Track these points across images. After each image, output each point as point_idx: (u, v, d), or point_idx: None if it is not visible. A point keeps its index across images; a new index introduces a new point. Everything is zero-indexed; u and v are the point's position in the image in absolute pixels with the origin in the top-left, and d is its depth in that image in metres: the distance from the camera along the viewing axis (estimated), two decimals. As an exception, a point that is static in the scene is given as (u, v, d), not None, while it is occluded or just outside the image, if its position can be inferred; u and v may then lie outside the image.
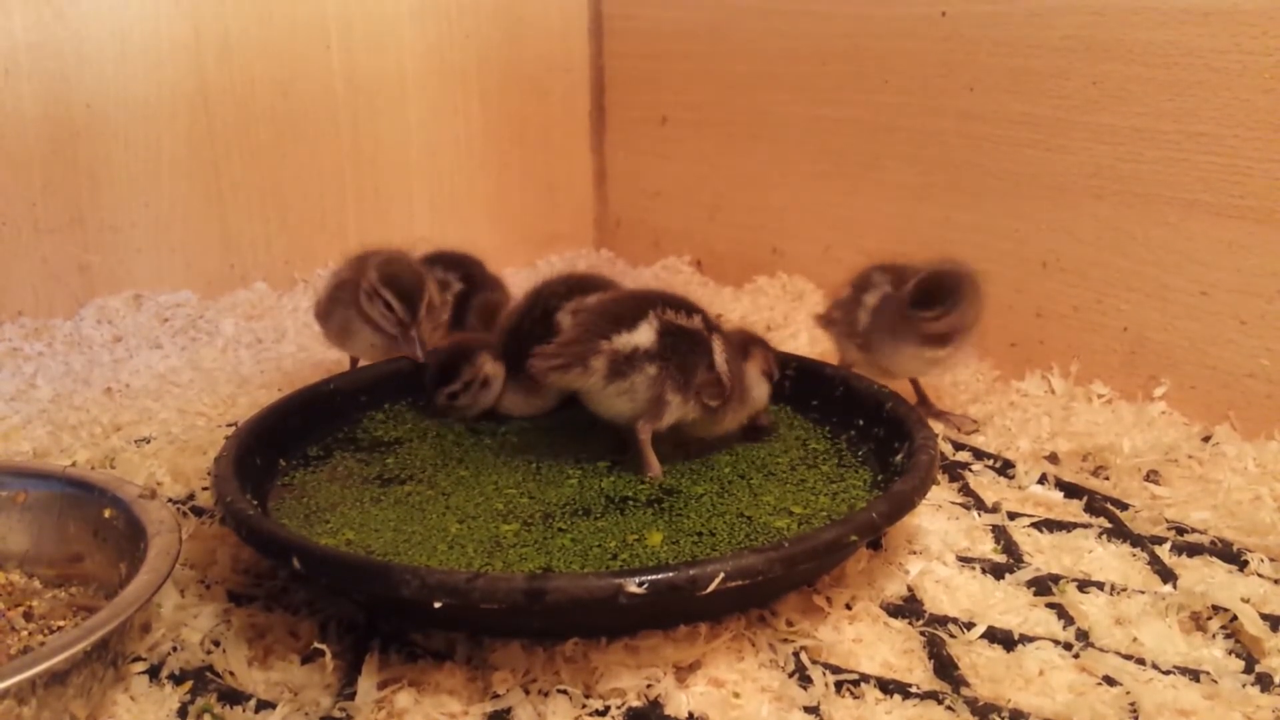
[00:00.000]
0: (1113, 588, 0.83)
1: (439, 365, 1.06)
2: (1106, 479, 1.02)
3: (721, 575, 0.68)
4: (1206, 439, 1.06)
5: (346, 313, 1.16)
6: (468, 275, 1.29)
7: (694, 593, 0.68)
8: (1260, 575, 0.85)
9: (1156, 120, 1.10)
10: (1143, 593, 0.82)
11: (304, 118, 1.65)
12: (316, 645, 0.73)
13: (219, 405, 1.24)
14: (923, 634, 0.77)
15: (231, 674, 0.74)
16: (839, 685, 0.71)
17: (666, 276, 1.75)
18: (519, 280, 1.47)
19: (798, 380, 1.09)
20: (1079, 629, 0.78)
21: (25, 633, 0.74)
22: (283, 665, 0.75)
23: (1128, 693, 0.70)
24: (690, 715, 0.69)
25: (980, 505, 0.97)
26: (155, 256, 1.58)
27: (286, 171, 1.65)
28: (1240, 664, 0.73)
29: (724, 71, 1.64)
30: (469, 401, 1.06)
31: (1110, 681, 0.71)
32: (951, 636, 0.77)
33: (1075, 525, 0.93)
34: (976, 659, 0.74)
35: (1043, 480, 1.02)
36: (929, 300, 1.07)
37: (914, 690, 0.71)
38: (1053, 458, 1.06)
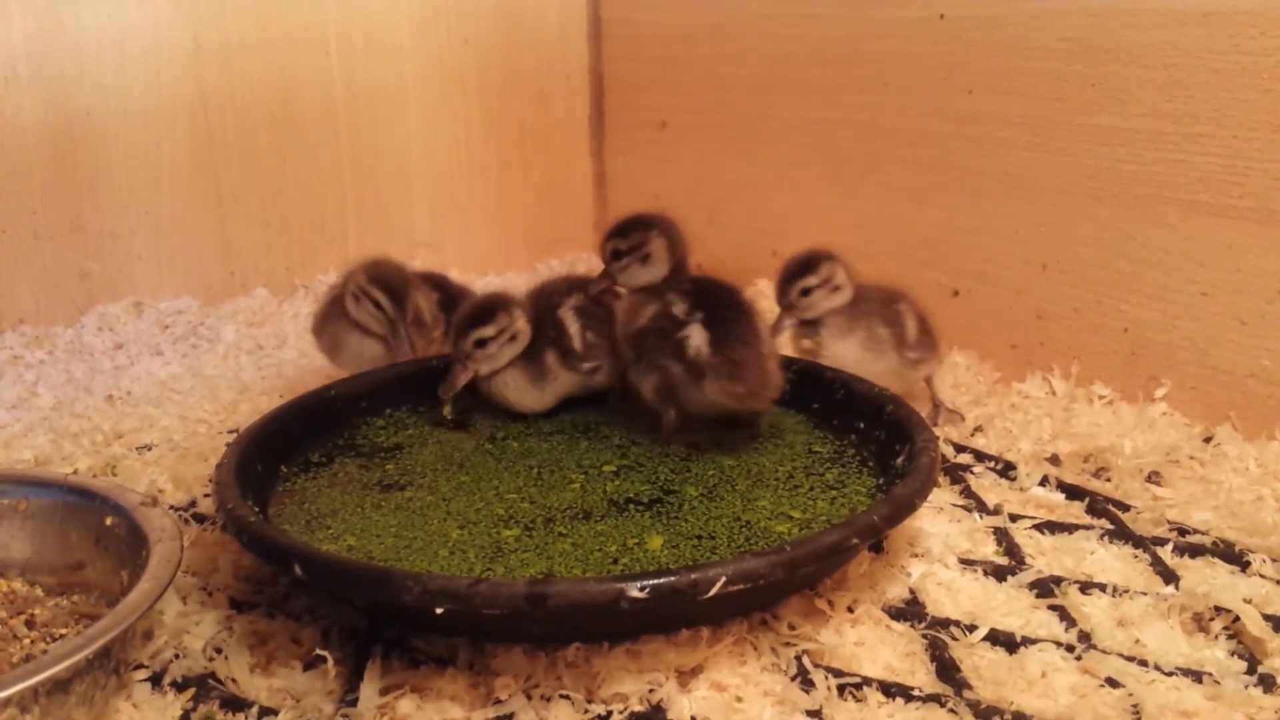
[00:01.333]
0: (1115, 589, 0.83)
1: (473, 307, 1.05)
2: (1108, 480, 1.02)
3: (723, 579, 0.68)
4: (1208, 440, 1.06)
5: (336, 325, 1.17)
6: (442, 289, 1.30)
7: (695, 597, 0.68)
8: (1262, 576, 0.85)
9: (1155, 121, 1.10)
10: (1145, 594, 0.82)
11: (304, 124, 1.65)
12: (319, 652, 0.73)
13: (220, 412, 1.24)
14: (925, 637, 0.77)
15: (234, 681, 0.74)
16: (841, 689, 0.71)
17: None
18: (519, 284, 1.47)
19: (798, 383, 1.09)
20: (1081, 631, 0.77)
21: (27, 641, 0.74)
22: (285, 672, 0.74)
23: (1130, 694, 0.70)
24: (692, 719, 0.69)
25: (982, 507, 0.97)
26: (156, 263, 1.58)
27: (286, 178, 1.66)
28: (1243, 665, 0.73)
29: (723, 75, 1.64)
30: (494, 351, 1.05)
31: (1113, 683, 0.71)
32: (954, 639, 0.77)
33: (1077, 527, 0.93)
34: (979, 661, 0.74)
35: (1044, 482, 1.02)
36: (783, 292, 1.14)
37: (916, 693, 0.71)
38: (1054, 459, 1.06)
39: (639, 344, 1.01)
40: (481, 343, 1.04)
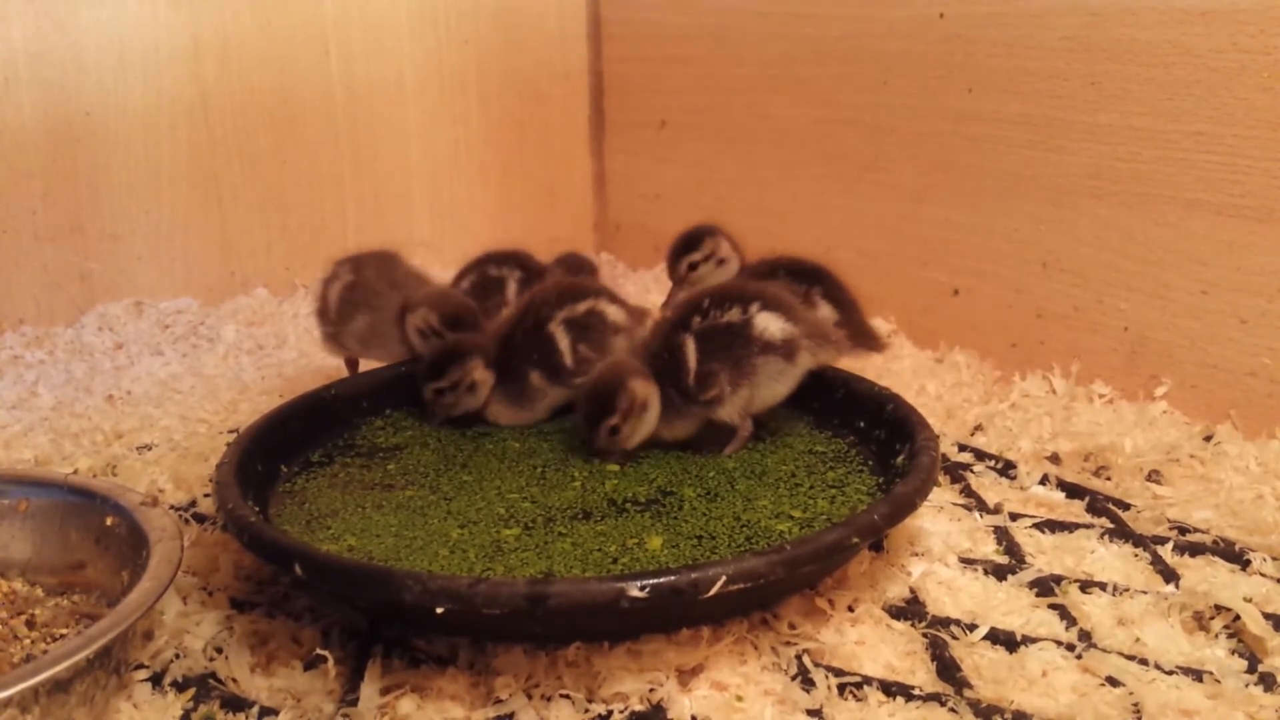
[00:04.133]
0: (1115, 588, 0.83)
1: (431, 360, 1.07)
2: (1108, 479, 1.02)
3: (723, 579, 0.68)
4: (1208, 438, 1.06)
5: (373, 317, 1.17)
6: (524, 267, 1.30)
7: (696, 596, 0.68)
8: (1263, 574, 0.85)
9: (1155, 120, 1.10)
10: (1145, 593, 0.82)
11: (303, 124, 1.65)
12: (319, 651, 0.73)
13: (220, 412, 1.24)
14: (925, 636, 0.77)
15: (234, 681, 0.74)
16: (841, 688, 0.71)
17: (667, 280, 1.74)
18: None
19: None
20: (1081, 630, 0.77)
21: (28, 641, 0.74)
22: (285, 672, 0.75)
23: (1131, 693, 0.69)
24: (693, 719, 0.69)
25: (982, 506, 0.97)
26: (156, 264, 1.58)
27: (286, 178, 1.66)
28: (1243, 664, 0.73)
29: (722, 74, 1.64)
30: (453, 401, 1.06)
31: (1113, 682, 0.71)
32: (954, 638, 0.77)
33: (1077, 526, 0.93)
34: (979, 660, 0.74)
35: (1044, 481, 1.02)
36: None
37: (917, 692, 0.71)
38: (1054, 458, 1.06)
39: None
40: (439, 392, 1.06)
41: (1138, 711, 0.68)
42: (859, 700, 0.71)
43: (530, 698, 0.71)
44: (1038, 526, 0.93)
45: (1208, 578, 0.84)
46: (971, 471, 1.05)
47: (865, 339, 1.17)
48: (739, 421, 0.99)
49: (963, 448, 1.10)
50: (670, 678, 0.71)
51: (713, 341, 0.97)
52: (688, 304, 1.01)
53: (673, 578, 0.67)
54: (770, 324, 0.98)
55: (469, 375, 1.06)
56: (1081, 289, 1.20)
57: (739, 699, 0.71)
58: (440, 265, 1.66)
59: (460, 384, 1.06)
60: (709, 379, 0.96)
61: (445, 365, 1.06)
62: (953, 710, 0.69)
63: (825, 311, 1.18)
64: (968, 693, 0.70)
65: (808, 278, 1.19)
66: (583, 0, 1.88)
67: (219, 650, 0.77)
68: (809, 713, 0.69)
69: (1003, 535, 0.92)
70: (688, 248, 1.21)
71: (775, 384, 0.99)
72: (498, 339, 1.09)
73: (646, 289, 1.70)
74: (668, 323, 1.00)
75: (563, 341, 1.07)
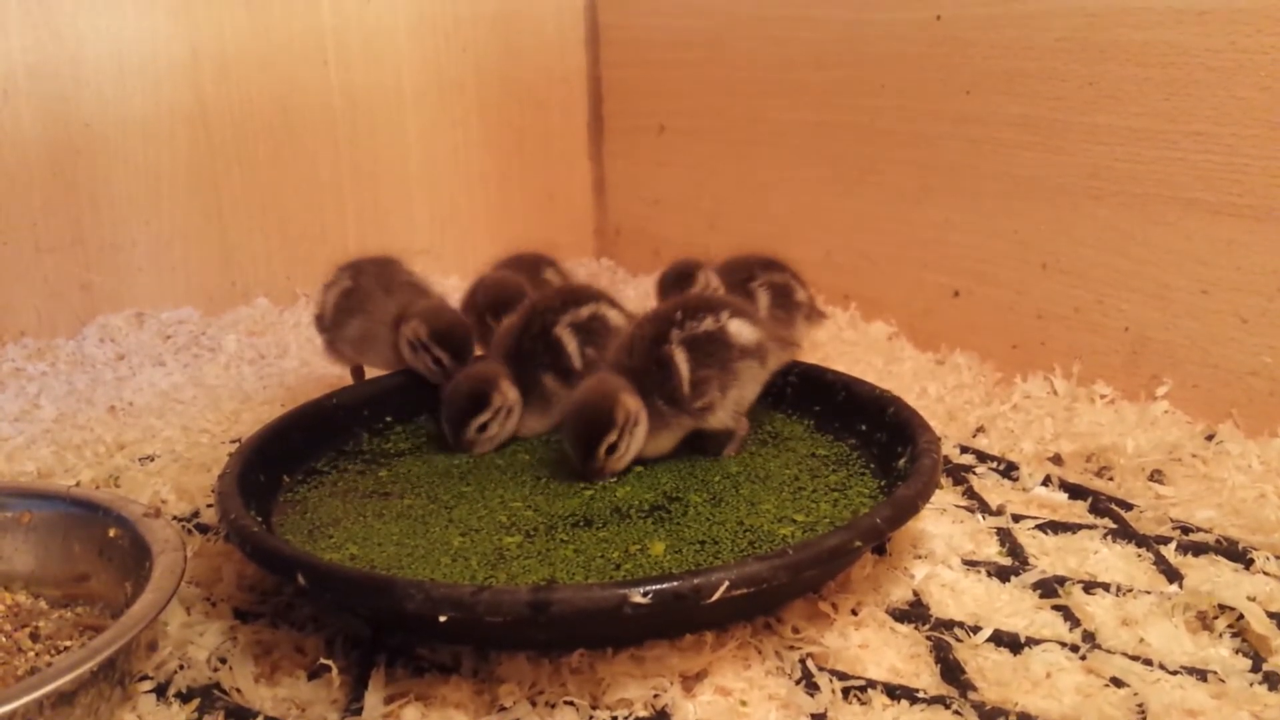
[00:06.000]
0: (1118, 588, 0.83)
1: (466, 397, 1.02)
2: (1110, 479, 1.02)
3: (726, 584, 0.68)
4: (1210, 438, 1.06)
5: (366, 322, 1.17)
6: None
7: (699, 601, 0.68)
8: (1266, 573, 0.84)
9: (1153, 120, 1.10)
10: (1149, 593, 0.82)
11: (302, 133, 1.66)
12: (323, 661, 0.74)
13: (222, 422, 1.24)
14: (929, 638, 0.77)
15: (238, 691, 0.74)
16: (846, 692, 0.71)
17: (667, 284, 1.75)
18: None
19: (799, 386, 1.09)
20: (1085, 630, 0.77)
21: (32, 653, 0.74)
22: (289, 681, 0.75)
23: (1135, 694, 0.69)
24: (697, 724, 0.69)
25: (984, 508, 0.97)
26: (157, 274, 1.58)
27: (286, 187, 1.66)
28: (1248, 663, 0.73)
29: (720, 79, 1.65)
30: (497, 430, 1.04)
31: (1117, 683, 0.71)
32: (958, 640, 0.77)
33: (1080, 526, 0.93)
34: (983, 662, 0.74)
35: (1047, 482, 1.02)
36: None
37: (921, 695, 0.70)
38: (1056, 459, 1.06)
39: None
40: (483, 427, 1.03)
41: (1142, 712, 0.68)
42: (863, 704, 0.71)
43: (534, 705, 0.71)
44: (1040, 528, 0.93)
45: (1211, 577, 0.84)
46: (974, 473, 1.05)
47: (818, 314, 1.30)
48: (733, 424, 0.99)
49: (964, 449, 1.10)
50: (674, 683, 0.71)
51: (699, 350, 0.97)
52: (660, 317, 1.00)
53: (675, 583, 0.67)
54: (742, 330, 0.99)
55: (507, 398, 1.03)
56: (1082, 290, 1.20)
57: (743, 704, 0.71)
58: (440, 272, 1.66)
59: (502, 409, 1.03)
60: (703, 387, 0.96)
61: (483, 397, 1.02)
62: (957, 713, 0.69)
63: (801, 296, 1.25)
64: (972, 695, 0.70)
65: (779, 268, 1.25)
66: (581, 6, 1.88)
67: (223, 661, 0.77)
68: (813, 717, 0.69)
69: (1005, 537, 0.92)
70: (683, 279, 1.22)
71: (753, 386, 1.01)
72: (504, 352, 1.08)
73: (647, 294, 1.70)
74: (645, 338, 0.99)
75: (570, 344, 1.07)
